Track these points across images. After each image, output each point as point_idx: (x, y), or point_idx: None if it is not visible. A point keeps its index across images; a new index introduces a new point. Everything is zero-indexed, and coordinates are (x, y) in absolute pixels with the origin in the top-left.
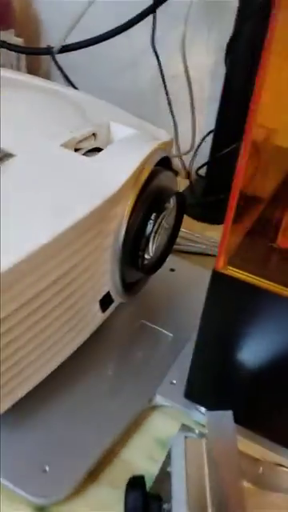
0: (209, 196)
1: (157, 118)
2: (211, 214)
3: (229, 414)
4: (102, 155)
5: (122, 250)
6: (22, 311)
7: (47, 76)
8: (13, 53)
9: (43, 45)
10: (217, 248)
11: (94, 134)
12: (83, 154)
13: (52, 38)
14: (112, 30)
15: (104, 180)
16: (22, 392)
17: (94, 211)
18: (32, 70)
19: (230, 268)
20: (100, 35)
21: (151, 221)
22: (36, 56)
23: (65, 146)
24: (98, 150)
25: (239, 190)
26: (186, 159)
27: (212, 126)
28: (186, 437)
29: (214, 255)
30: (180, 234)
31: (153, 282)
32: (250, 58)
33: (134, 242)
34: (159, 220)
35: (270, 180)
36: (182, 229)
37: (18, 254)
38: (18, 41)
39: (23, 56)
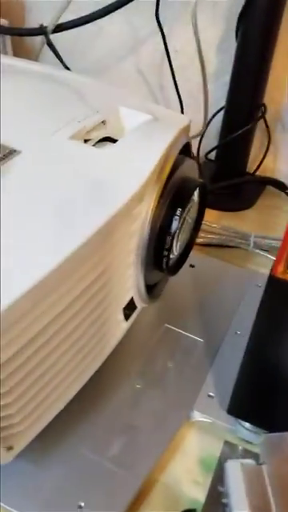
0: (220, 181)
1: (158, 98)
2: (225, 200)
3: None
4: (118, 147)
5: (146, 252)
6: (42, 337)
7: (37, 60)
8: None
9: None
10: (237, 239)
11: (103, 122)
12: (93, 145)
13: (36, 19)
14: (110, 5)
15: (124, 176)
16: (45, 421)
17: (115, 215)
18: (19, 54)
19: None
20: (97, 11)
21: (176, 216)
22: (22, 39)
23: (74, 137)
24: (109, 139)
25: None
26: (193, 142)
27: (219, 105)
28: (242, 464)
29: (233, 246)
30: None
31: (173, 281)
32: (268, 26)
33: (158, 241)
34: (184, 215)
35: None
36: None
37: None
38: (4, 22)
39: (8, 39)
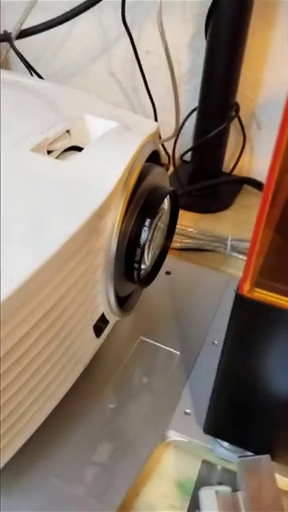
0: (196, 183)
1: (131, 100)
2: (202, 202)
3: (266, 459)
4: (81, 157)
5: (114, 265)
6: (17, 350)
7: (2, 67)
8: None
9: None
10: (214, 243)
11: (67, 131)
12: (58, 156)
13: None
14: (75, 8)
15: (88, 188)
16: (22, 439)
17: (79, 230)
18: None
19: (258, 291)
20: (62, 15)
21: (145, 227)
22: None
23: (36, 149)
24: (74, 148)
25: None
26: (168, 144)
27: (194, 104)
28: (217, 491)
29: (210, 250)
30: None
31: (148, 290)
32: (236, 25)
33: (127, 254)
34: (153, 225)
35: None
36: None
37: None
38: None
39: None
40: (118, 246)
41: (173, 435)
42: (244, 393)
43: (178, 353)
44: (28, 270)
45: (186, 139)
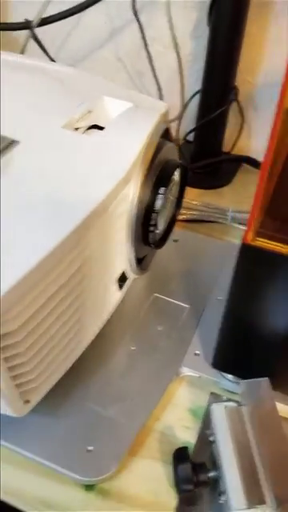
0: (198, 161)
1: (137, 84)
2: (204, 179)
3: (265, 381)
4: (105, 133)
5: (135, 228)
6: (50, 303)
7: (22, 53)
8: None
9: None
10: (217, 214)
11: (89, 111)
12: (83, 133)
13: (21, 11)
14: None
15: (113, 160)
16: (56, 377)
17: (107, 196)
18: (3, 47)
19: (259, 239)
20: (79, 4)
21: (160, 195)
22: (6, 32)
23: (65, 127)
24: (95, 127)
25: (271, 161)
26: (173, 125)
27: (195, 88)
28: (225, 406)
29: (213, 221)
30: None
31: (158, 255)
32: (236, 14)
33: (145, 218)
34: (167, 193)
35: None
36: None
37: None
38: None
39: None
40: (137, 210)
41: (186, 371)
42: (246, 331)
43: (188, 306)
44: (71, 224)
45: (189, 121)
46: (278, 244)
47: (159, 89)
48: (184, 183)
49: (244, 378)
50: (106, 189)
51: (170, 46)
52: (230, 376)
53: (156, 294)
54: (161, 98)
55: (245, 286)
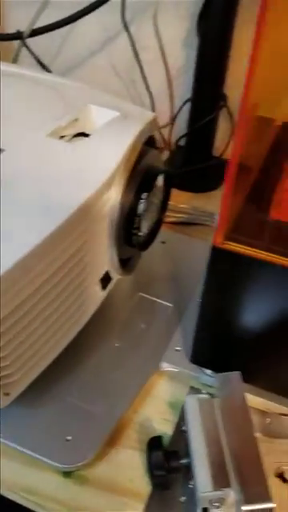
0: (189, 166)
1: (132, 91)
2: (194, 183)
3: (237, 374)
4: (90, 141)
5: (117, 230)
6: (32, 299)
7: (14, 62)
8: None
9: None
10: (204, 217)
11: (76, 120)
12: (68, 141)
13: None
14: (83, 10)
15: (96, 166)
16: (37, 372)
17: (89, 198)
18: None
19: (228, 243)
20: (70, 16)
21: (142, 200)
22: None
23: (51, 135)
24: (82, 134)
25: (235, 168)
26: (165, 130)
27: (187, 95)
28: (198, 397)
29: (199, 224)
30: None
31: (146, 256)
32: (224, 25)
33: (127, 221)
34: (149, 198)
35: (256, 154)
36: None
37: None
38: None
39: None
40: (120, 213)
41: (166, 366)
42: (219, 328)
43: (171, 305)
44: (54, 223)
45: (181, 126)
46: (246, 247)
47: (151, 96)
48: (168, 188)
49: (219, 371)
50: (87, 193)
51: (161, 54)
52: (208, 371)
53: (141, 294)
54: (153, 105)
55: (215, 286)
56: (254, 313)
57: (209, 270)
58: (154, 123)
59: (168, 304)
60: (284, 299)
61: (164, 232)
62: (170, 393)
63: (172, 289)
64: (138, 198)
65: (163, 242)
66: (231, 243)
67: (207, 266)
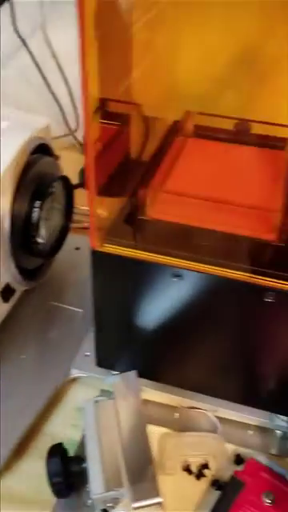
0: None
1: (40, 101)
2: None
3: (132, 373)
4: None
5: (10, 240)
6: None
7: None
8: None
9: None
10: None
11: None
12: None
13: None
14: None
15: None
16: None
17: None
18: None
19: (107, 245)
20: None
21: (36, 208)
22: None
23: None
24: None
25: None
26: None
27: None
28: (96, 401)
29: None
30: (82, 211)
31: (59, 263)
32: None
33: (23, 230)
34: (45, 206)
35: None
36: (83, 206)
37: None
38: None
39: None
40: (12, 223)
41: (75, 372)
42: (113, 329)
43: (81, 311)
44: None
45: None
46: (128, 249)
47: (59, 105)
48: (70, 194)
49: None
50: None
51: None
52: (116, 373)
53: (52, 302)
54: (63, 113)
55: (101, 288)
56: (144, 311)
57: (92, 273)
58: (46, 131)
59: (79, 310)
60: (169, 297)
61: (78, 238)
62: (81, 398)
63: (84, 295)
64: (31, 207)
65: (77, 248)
66: (109, 245)
67: (91, 271)
